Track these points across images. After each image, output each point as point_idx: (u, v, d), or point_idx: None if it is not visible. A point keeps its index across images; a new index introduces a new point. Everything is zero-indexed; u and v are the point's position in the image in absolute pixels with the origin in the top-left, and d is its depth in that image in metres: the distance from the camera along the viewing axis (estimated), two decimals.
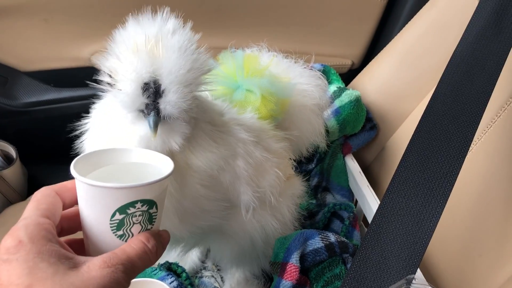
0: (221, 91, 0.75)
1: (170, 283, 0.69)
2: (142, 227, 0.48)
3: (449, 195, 0.63)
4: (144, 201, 0.46)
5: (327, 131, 0.94)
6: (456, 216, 0.79)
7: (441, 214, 0.62)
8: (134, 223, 0.47)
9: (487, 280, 0.73)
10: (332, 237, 0.73)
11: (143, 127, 0.55)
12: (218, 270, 0.87)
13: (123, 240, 0.47)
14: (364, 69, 1.20)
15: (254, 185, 0.67)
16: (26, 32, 1.27)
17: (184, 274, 0.74)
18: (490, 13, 0.78)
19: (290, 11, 1.31)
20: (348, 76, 1.32)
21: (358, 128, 1.03)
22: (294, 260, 0.69)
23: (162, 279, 0.70)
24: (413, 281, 0.57)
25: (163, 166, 0.51)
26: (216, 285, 0.84)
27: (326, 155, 1.00)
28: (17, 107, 1.29)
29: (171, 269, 0.75)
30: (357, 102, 1.01)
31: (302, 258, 0.71)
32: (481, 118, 0.69)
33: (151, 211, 0.48)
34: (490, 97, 0.70)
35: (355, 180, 0.95)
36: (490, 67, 0.73)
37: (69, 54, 1.19)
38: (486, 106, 0.70)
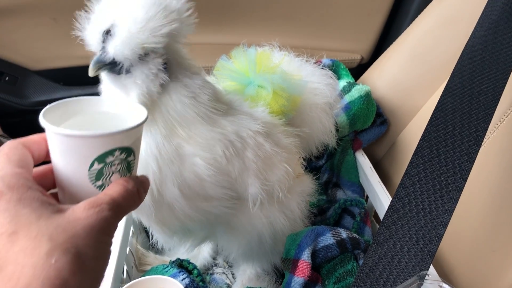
0: (233, 87, 0.75)
1: (182, 280, 0.69)
2: (121, 175, 0.47)
3: (462, 190, 0.62)
4: (122, 149, 0.45)
5: (336, 129, 0.93)
6: (468, 212, 0.78)
7: (454, 210, 0.61)
8: (113, 172, 0.46)
9: (500, 276, 0.73)
10: (344, 233, 0.73)
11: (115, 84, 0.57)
12: (229, 266, 0.87)
13: (102, 190, 0.46)
14: (374, 63, 1.19)
15: (263, 178, 0.67)
16: (36, 31, 1.28)
17: (195, 271, 0.74)
18: (503, 6, 0.77)
19: (299, 6, 1.30)
20: (357, 71, 1.31)
21: (369, 123, 1.02)
22: (305, 257, 0.69)
23: (174, 276, 0.70)
24: (426, 277, 0.56)
25: (135, 114, 0.49)
26: (227, 281, 0.84)
27: (336, 151, 0.99)
28: (28, 106, 1.30)
29: (183, 266, 0.75)
30: (367, 97, 1.00)
31: (314, 255, 0.70)
32: (494, 112, 0.68)
33: (129, 159, 0.46)
34: (503, 90, 0.69)
35: (366, 175, 0.94)
36: (503, 60, 0.72)
37: (78, 53, 1.20)
38: (499, 99, 0.69)
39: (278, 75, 0.75)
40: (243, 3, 1.26)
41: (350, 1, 1.32)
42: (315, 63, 0.93)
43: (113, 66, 0.56)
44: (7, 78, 1.30)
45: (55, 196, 0.47)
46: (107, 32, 0.54)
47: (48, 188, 0.47)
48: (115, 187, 0.44)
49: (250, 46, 0.81)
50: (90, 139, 0.43)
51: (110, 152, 0.44)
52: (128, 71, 0.57)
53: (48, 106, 0.46)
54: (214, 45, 1.24)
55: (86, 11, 0.57)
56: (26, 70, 1.32)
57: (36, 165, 0.47)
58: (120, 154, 0.45)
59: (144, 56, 0.56)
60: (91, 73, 0.55)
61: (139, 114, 0.48)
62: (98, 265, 0.38)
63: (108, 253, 0.40)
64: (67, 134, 0.42)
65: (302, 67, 0.85)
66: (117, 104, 0.51)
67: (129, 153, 0.46)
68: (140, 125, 0.46)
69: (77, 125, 0.48)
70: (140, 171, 0.60)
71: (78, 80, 1.29)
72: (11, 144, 0.45)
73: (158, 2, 0.55)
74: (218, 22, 1.26)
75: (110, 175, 0.46)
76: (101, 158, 0.44)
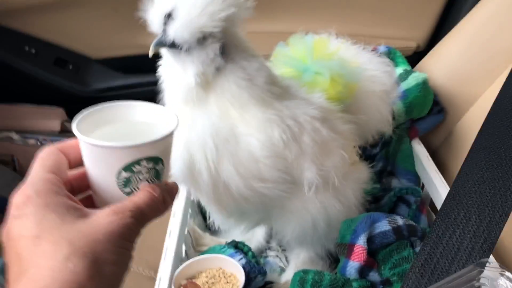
0: (290, 73, 0.76)
1: (239, 260, 0.71)
2: (149, 183, 0.48)
3: None
4: (149, 159, 0.46)
5: (393, 117, 0.92)
6: None
7: None
8: (141, 180, 0.47)
9: None
10: (400, 220, 0.72)
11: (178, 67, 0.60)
12: (283, 250, 0.88)
13: (130, 195, 0.48)
14: (431, 51, 1.16)
15: (319, 163, 0.68)
16: (96, 21, 1.34)
17: (250, 253, 0.76)
18: None
19: None
20: (413, 59, 1.28)
21: (425, 112, 1.01)
22: (361, 242, 0.69)
23: (231, 256, 0.72)
24: (487, 265, 0.55)
25: (168, 122, 0.50)
26: (281, 264, 0.86)
27: (392, 139, 0.98)
28: (89, 93, 1.36)
29: (238, 248, 0.77)
30: (424, 85, 0.99)
31: (369, 241, 0.70)
32: None
33: (157, 167, 0.48)
34: None
35: (423, 164, 0.93)
36: None
37: (137, 42, 1.24)
38: None
39: (335, 62, 0.75)
40: None
41: None
42: (371, 50, 0.92)
43: (173, 48, 0.59)
44: (70, 67, 1.37)
45: (90, 198, 0.50)
46: (169, 15, 0.57)
47: (86, 189, 0.50)
48: (141, 194, 0.46)
49: (307, 33, 0.82)
50: (116, 150, 0.45)
51: (137, 162, 0.46)
52: (187, 51, 0.59)
53: (83, 112, 0.49)
54: (271, 33, 1.24)
55: None
56: (88, 58, 1.38)
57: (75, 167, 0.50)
58: (148, 164, 0.47)
59: (203, 39, 0.58)
60: (150, 53, 0.58)
61: (169, 123, 0.50)
62: (116, 270, 0.40)
63: (128, 258, 0.42)
64: (94, 144, 0.45)
65: (359, 54, 0.85)
66: (151, 112, 0.53)
67: (156, 162, 0.48)
68: (167, 136, 0.47)
69: (111, 132, 0.51)
70: (197, 148, 0.62)
71: (137, 68, 1.34)
72: (47, 150, 0.47)
73: None
74: (273, 10, 1.27)
75: (138, 182, 0.48)
76: (128, 168, 0.46)
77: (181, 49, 0.59)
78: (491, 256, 0.63)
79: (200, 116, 0.63)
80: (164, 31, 0.58)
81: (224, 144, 0.63)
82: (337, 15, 1.30)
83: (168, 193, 0.49)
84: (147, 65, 0.68)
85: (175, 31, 0.57)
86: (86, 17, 1.33)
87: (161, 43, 0.58)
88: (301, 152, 0.66)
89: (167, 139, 0.48)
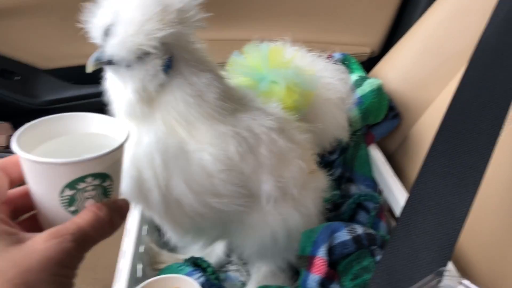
0: (245, 82, 0.75)
1: (197, 279, 0.69)
2: (96, 201, 0.45)
3: (480, 183, 0.61)
4: (95, 175, 0.44)
5: (349, 123, 0.93)
6: (487, 206, 0.77)
7: (472, 204, 0.60)
8: (86, 198, 0.44)
9: None
10: (360, 229, 0.72)
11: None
12: (244, 264, 0.87)
13: (76, 215, 0.44)
14: (385, 57, 1.18)
15: (277, 174, 0.67)
16: (45, 30, 1.29)
17: (210, 269, 0.74)
18: None
19: (308, 1, 1.29)
20: (367, 64, 1.30)
21: (381, 117, 1.02)
22: (322, 253, 0.68)
23: (189, 274, 0.69)
24: (445, 274, 0.56)
25: (118, 134, 0.47)
26: (242, 279, 0.84)
27: (349, 145, 0.99)
28: (38, 105, 1.30)
29: (197, 264, 0.75)
30: (379, 91, 0.99)
31: (330, 251, 0.70)
32: (511, 104, 0.67)
33: (104, 184, 0.45)
34: None
35: (380, 170, 0.93)
36: None
37: (87, 51, 1.19)
38: None
39: (291, 71, 0.74)
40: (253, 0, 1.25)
41: None
42: (327, 57, 0.92)
43: (111, 64, 0.57)
44: (17, 78, 1.31)
45: (35, 217, 0.46)
46: (107, 30, 0.55)
47: (31, 208, 0.46)
48: (85, 214, 0.43)
49: (262, 41, 0.81)
50: (58, 166, 0.42)
51: (81, 179, 0.43)
52: (127, 67, 0.57)
53: (26, 125, 0.46)
54: (225, 41, 1.23)
55: (92, 3, 0.57)
56: (37, 69, 1.32)
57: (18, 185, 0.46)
58: (93, 181, 0.44)
59: (144, 55, 0.55)
60: (89, 69, 0.56)
61: (119, 136, 0.47)
62: None
63: (68, 285, 0.39)
64: (34, 160, 0.42)
65: (314, 62, 0.85)
66: (99, 124, 0.50)
67: (103, 178, 0.45)
68: (113, 151, 0.44)
69: (57, 147, 0.48)
70: (145, 165, 0.60)
71: (89, 78, 1.29)
72: None
73: (157, 2, 0.54)
74: (228, 18, 1.25)
75: (84, 200, 0.45)
76: (71, 185, 0.43)
77: (120, 65, 0.56)
78: (450, 263, 0.63)
79: (146, 132, 0.60)
80: (102, 46, 0.55)
81: (174, 160, 0.60)
82: (292, 23, 1.30)
83: (116, 212, 0.46)
84: (98, 75, 0.65)
85: (112, 48, 0.54)
86: (33, 26, 1.28)
87: (98, 60, 0.56)
88: (259, 164, 0.65)
89: (114, 154, 0.45)
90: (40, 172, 0.43)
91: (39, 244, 0.38)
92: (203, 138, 0.61)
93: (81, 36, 0.61)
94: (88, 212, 0.43)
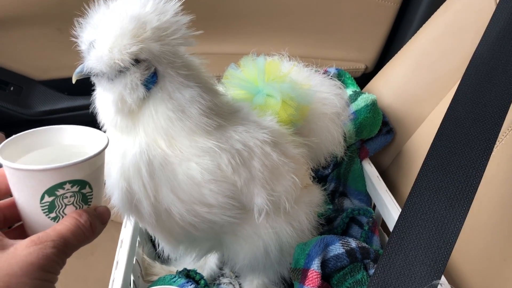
0: (241, 95, 0.75)
1: None
2: (76, 208, 0.47)
3: (473, 198, 0.62)
4: (73, 182, 0.46)
5: (344, 138, 0.93)
6: (479, 220, 0.78)
7: (465, 219, 0.61)
8: (66, 205, 0.47)
9: None
10: (353, 243, 0.72)
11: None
12: (236, 277, 0.86)
13: (57, 221, 0.47)
14: (379, 73, 1.19)
15: (269, 188, 0.67)
16: (40, 41, 1.29)
17: (202, 281, 0.74)
18: (510, 14, 0.77)
19: (302, 16, 1.30)
20: (362, 80, 1.31)
21: (375, 132, 1.02)
22: (315, 266, 0.68)
23: (182, 286, 0.69)
24: (439, 287, 0.56)
25: (99, 144, 0.50)
26: None
27: (343, 160, 0.99)
28: (33, 116, 1.30)
29: (190, 276, 0.74)
30: (373, 106, 1.00)
31: (323, 264, 0.70)
32: (503, 120, 0.68)
33: (84, 191, 0.47)
34: None
35: (373, 184, 0.94)
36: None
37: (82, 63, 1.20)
38: (508, 108, 0.69)
39: (287, 84, 0.75)
40: (249, 15, 1.26)
41: (353, 11, 1.32)
42: (323, 73, 0.93)
43: (93, 76, 0.59)
44: (12, 88, 1.30)
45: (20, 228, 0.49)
46: (91, 44, 0.56)
47: (19, 218, 0.48)
48: (66, 221, 0.45)
49: (259, 55, 0.81)
50: (36, 172, 0.44)
51: (59, 185, 0.45)
52: (109, 79, 0.58)
53: (11, 138, 0.49)
54: (222, 55, 1.24)
55: (84, 18, 0.59)
56: (31, 80, 1.32)
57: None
58: (72, 187, 0.46)
59: (123, 69, 0.57)
60: (73, 80, 0.59)
61: (99, 145, 0.49)
62: None
63: None
64: (14, 168, 0.44)
65: (311, 77, 0.85)
66: (81, 135, 0.53)
67: (82, 185, 0.47)
68: (91, 158, 0.46)
69: (40, 157, 0.50)
70: (133, 177, 0.60)
71: (83, 89, 1.29)
72: None
73: (132, 20, 0.55)
74: (226, 32, 1.26)
75: (64, 207, 0.47)
76: (50, 191, 0.45)
77: (102, 77, 0.58)
78: (443, 277, 0.63)
79: (132, 144, 0.61)
80: (85, 60, 0.58)
81: (159, 171, 0.61)
82: (289, 38, 1.31)
83: (97, 219, 0.48)
84: (92, 87, 0.65)
85: (91, 62, 0.56)
86: (29, 37, 1.28)
87: (80, 72, 0.58)
88: (251, 177, 0.65)
89: (91, 162, 0.47)
90: (21, 179, 0.45)
91: (21, 250, 0.39)
92: (187, 151, 0.61)
93: (76, 47, 0.62)
94: (69, 219, 0.45)
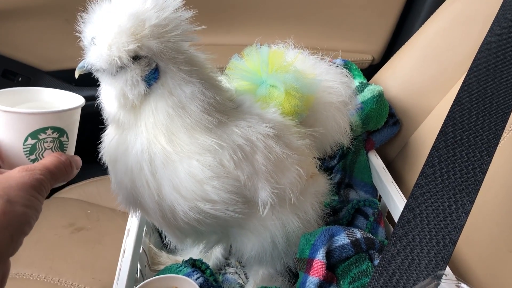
0: (245, 86, 0.75)
1: (196, 279, 0.69)
2: (53, 152, 0.53)
3: (479, 190, 0.62)
4: (54, 128, 0.53)
5: (351, 128, 0.93)
6: (485, 212, 0.78)
7: (470, 210, 0.61)
8: (45, 149, 0.53)
9: None
10: (358, 233, 0.72)
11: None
12: (242, 266, 0.87)
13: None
14: (386, 64, 1.18)
15: (273, 181, 0.67)
16: (48, 32, 1.29)
17: (208, 271, 0.74)
18: None
19: (310, 7, 1.30)
20: (368, 71, 1.31)
21: (381, 124, 1.02)
22: (320, 256, 0.68)
23: (188, 275, 0.70)
24: (444, 277, 0.56)
25: (75, 103, 0.56)
26: (240, 281, 0.84)
27: (349, 151, 0.99)
28: None
29: (196, 266, 0.75)
30: (380, 97, 1.00)
31: (328, 255, 0.70)
32: (510, 112, 0.67)
33: (61, 139, 0.54)
34: None
35: (379, 176, 0.94)
36: None
37: None
38: None
39: (291, 75, 0.74)
40: (255, 6, 1.26)
41: (361, 2, 1.32)
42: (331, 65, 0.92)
43: (95, 72, 0.60)
44: (20, 79, 1.31)
45: None
46: (92, 40, 0.57)
47: None
48: (49, 157, 0.52)
49: (263, 45, 0.81)
50: (24, 116, 0.51)
51: (42, 130, 0.52)
52: (111, 74, 0.58)
53: (2, 90, 0.56)
54: (228, 46, 1.24)
55: (87, 13, 0.59)
56: (39, 71, 1.33)
57: None
58: (53, 133, 0.53)
59: (124, 65, 0.57)
60: (76, 75, 0.60)
61: (78, 101, 0.56)
62: (26, 211, 0.44)
63: (38, 205, 0.46)
64: (4, 110, 0.51)
65: (316, 65, 0.84)
66: (60, 95, 0.59)
67: (61, 133, 0.54)
68: (71, 110, 0.53)
69: (26, 107, 0.56)
70: (136, 175, 0.62)
71: (90, 80, 1.30)
72: None
73: (131, 17, 0.56)
74: (231, 24, 1.26)
75: (43, 150, 0.53)
76: (34, 134, 0.52)
77: (104, 73, 0.59)
78: (447, 267, 0.63)
79: (133, 140, 0.62)
80: (87, 55, 0.58)
81: (161, 169, 0.61)
82: (295, 29, 1.31)
83: (73, 162, 0.54)
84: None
85: (91, 59, 0.57)
86: (37, 28, 1.28)
87: (81, 67, 0.59)
88: (254, 171, 0.65)
89: (71, 113, 0.54)
90: (9, 121, 0.51)
91: (15, 173, 0.46)
92: (187, 148, 0.61)
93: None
94: (51, 157, 0.52)
